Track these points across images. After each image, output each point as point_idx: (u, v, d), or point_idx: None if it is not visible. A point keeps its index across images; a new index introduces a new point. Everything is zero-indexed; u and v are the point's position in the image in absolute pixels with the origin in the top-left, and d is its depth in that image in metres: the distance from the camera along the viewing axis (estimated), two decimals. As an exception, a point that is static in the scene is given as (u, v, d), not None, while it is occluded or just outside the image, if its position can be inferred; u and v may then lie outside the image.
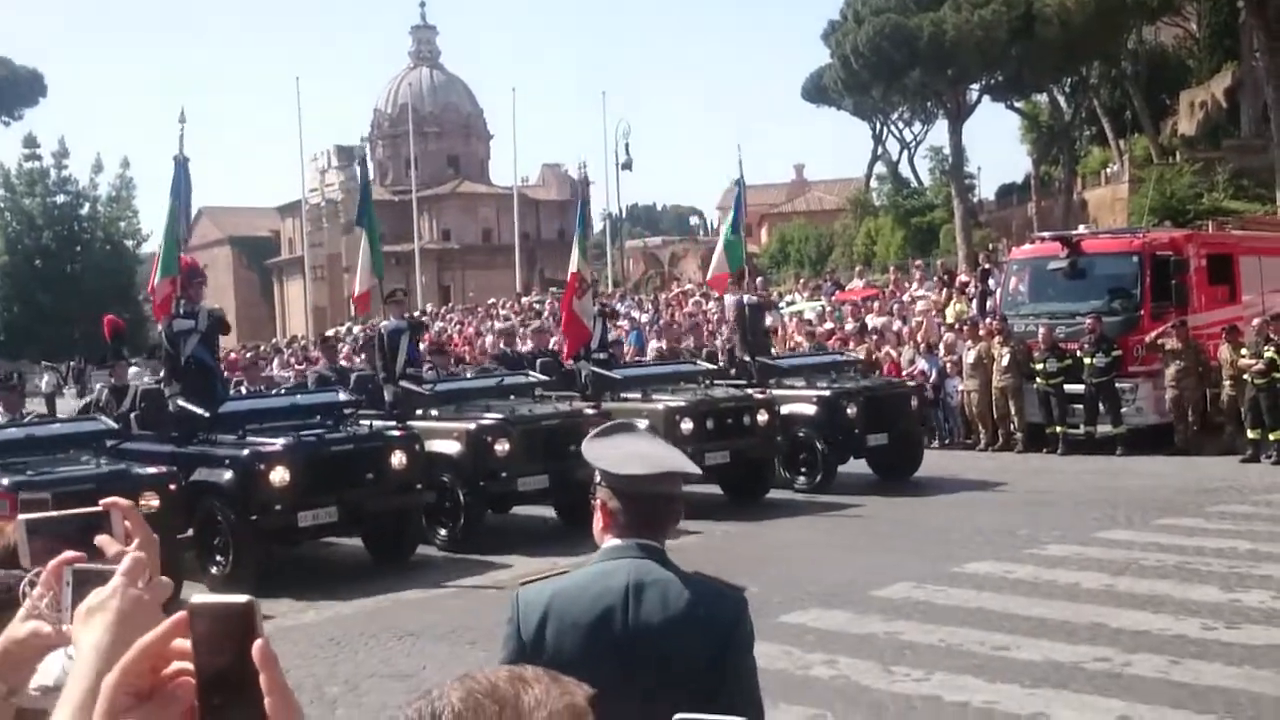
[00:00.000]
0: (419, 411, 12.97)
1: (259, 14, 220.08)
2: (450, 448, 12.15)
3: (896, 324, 21.97)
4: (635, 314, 30.47)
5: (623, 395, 14.55)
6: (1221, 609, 8.47)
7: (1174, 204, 35.03)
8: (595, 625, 2.42)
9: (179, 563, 9.83)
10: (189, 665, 1.02)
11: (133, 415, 12.52)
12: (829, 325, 23.11)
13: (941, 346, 19.82)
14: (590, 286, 15.61)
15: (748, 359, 16.00)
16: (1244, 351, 16.12)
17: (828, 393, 15.14)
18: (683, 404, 13.74)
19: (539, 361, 15.76)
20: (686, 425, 13.36)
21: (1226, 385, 16.61)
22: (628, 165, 50.18)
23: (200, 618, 1.00)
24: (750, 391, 14.86)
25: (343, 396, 12.86)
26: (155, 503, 9.60)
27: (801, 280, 37.66)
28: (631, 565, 2.46)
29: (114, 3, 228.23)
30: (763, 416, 14.14)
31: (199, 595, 1.02)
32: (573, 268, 15.58)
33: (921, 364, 19.39)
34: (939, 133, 48.55)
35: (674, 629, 2.40)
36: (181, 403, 11.73)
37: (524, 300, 38.20)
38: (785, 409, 14.75)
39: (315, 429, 11.55)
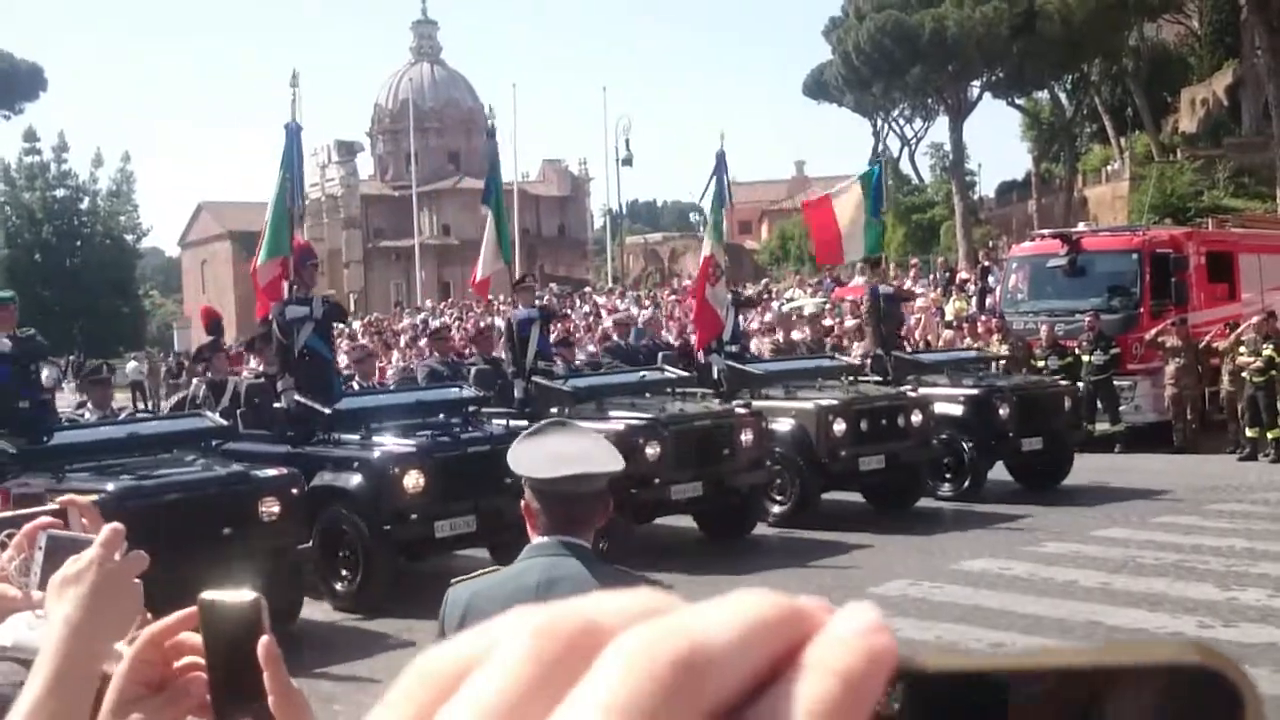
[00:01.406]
0: (553, 409, 11.37)
1: (260, 7, 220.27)
2: None
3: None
4: (634, 310, 30.47)
5: (764, 392, 13.05)
6: (1218, 607, 8.48)
7: (1175, 201, 35.03)
8: None
9: (298, 576, 9.05)
10: (201, 660, 1.02)
11: (239, 412, 11.34)
12: (829, 322, 23.11)
13: (940, 344, 19.82)
14: (724, 272, 14.07)
15: (881, 354, 14.62)
16: (1243, 349, 16.11)
17: (977, 391, 13.96)
18: (835, 403, 12.44)
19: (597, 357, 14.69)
20: (839, 426, 12.16)
21: (1225, 381, 16.61)
22: (628, 161, 50.24)
23: (209, 612, 1.00)
24: (903, 389, 13.49)
25: (466, 392, 11.57)
26: (276, 509, 8.59)
27: (800, 276, 37.67)
28: (548, 563, 2.50)
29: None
30: (916, 417, 12.83)
31: (209, 591, 1.01)
32: (705, 251, 14.06)
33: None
34: (940, 129, 48.68)
35: None
36: (298, 398, 10.52)
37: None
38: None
39: (445, 428, 10.39)
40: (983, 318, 19.86)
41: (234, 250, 78.17)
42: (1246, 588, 8.97)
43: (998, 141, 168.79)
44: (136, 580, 1.20)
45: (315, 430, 10.40)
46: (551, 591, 2.43)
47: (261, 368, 12.96)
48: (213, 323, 14.67)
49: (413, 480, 9.38)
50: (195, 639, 1.02)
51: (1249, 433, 16.01)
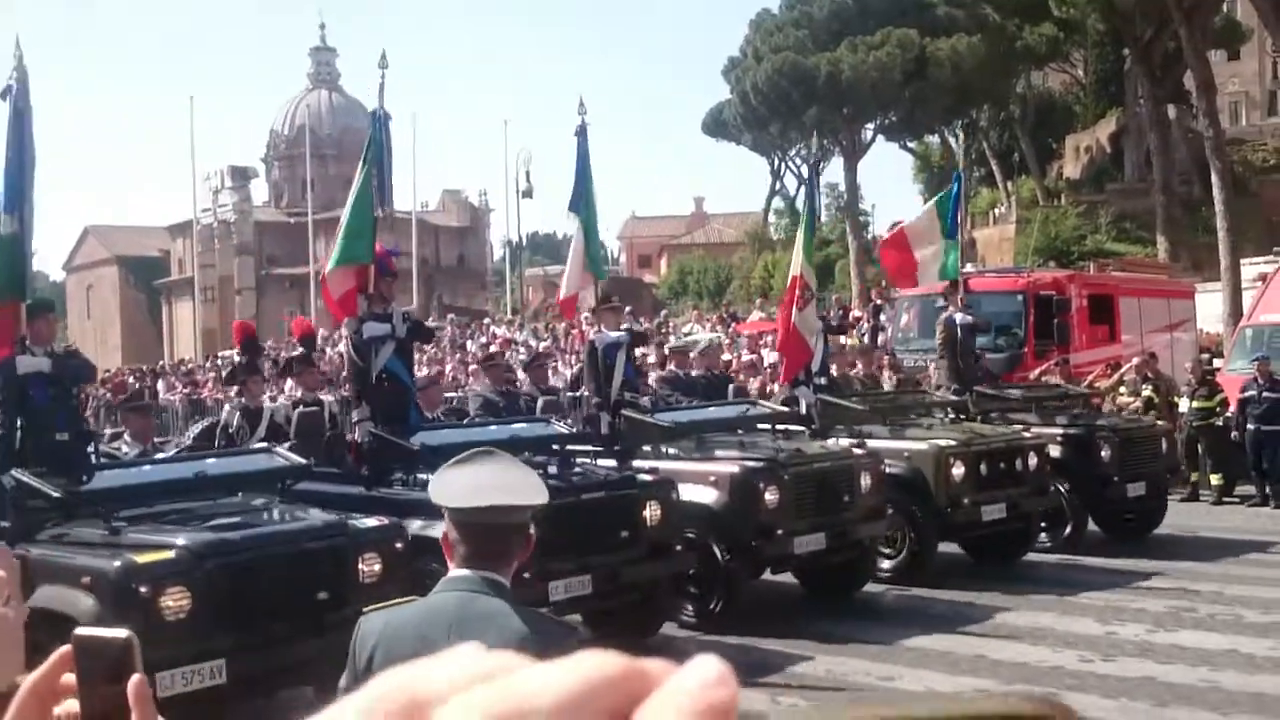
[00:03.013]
0: (646, 448, 10.07)
1: (153, 28, 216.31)
2: (704, 496, 9.28)
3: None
4: (533, 342, 30.41)
5: (864, 430, 11.51)
6: (1098, 642, 8.68)
7: (1059, 245, 36.07)
8: (419, 660, 2.40)
9: None
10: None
11: (287, 446, 9.41)
12: (727, 357, 23.30)
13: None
14: (814, 296, 12.66)
15: (957, 389, 13.19)
16: (1123, 389, 16.61)
17: (1077, 430, 12.65)
18: (953, 443, 11.08)
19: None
20: (958, 470, 10.85)
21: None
22: (528, 193, 50.12)
23: (82, 651, 0.99)
24: (1016, 428, 12.27)
25: (559, 428, 9.90)
26: (377, 568, 7.07)
27: (698, 311, 37.97)
28: (461, 599, 2.45)
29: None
30: (1033, 460, 11.54)
31: (82, 628, 1.01)
32: (794, 270, 12.55)
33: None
34: (835, 170, 49.42)
35: None
36: (374, 430, 8.93)
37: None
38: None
39: (547, 472, 8.41)
40: (875, 353, 20.20)
41: (121, 275, 76.31)
42: (1125, 624, 9.23)
43: (891, 183, 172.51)
44: (20, 631, 1.18)
45: (393, 469, 8.75)
46: (465, 630, 2.39)
47: (300, 393, 11.55)
48: (247, 340, 12.80)
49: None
50: (71, 681, 1.01)
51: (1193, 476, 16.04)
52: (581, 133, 11.47)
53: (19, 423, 7.71)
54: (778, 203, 58.15)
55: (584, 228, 11.28)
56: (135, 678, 0.98)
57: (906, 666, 8.14)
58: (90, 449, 8.33)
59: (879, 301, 26.13)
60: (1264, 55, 54.50)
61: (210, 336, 61.37)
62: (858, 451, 10.30)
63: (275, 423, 10.53)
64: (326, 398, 11.53)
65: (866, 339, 22.95)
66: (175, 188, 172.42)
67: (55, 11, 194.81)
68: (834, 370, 13.09)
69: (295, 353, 12.52)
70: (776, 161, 55.29)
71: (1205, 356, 21.03)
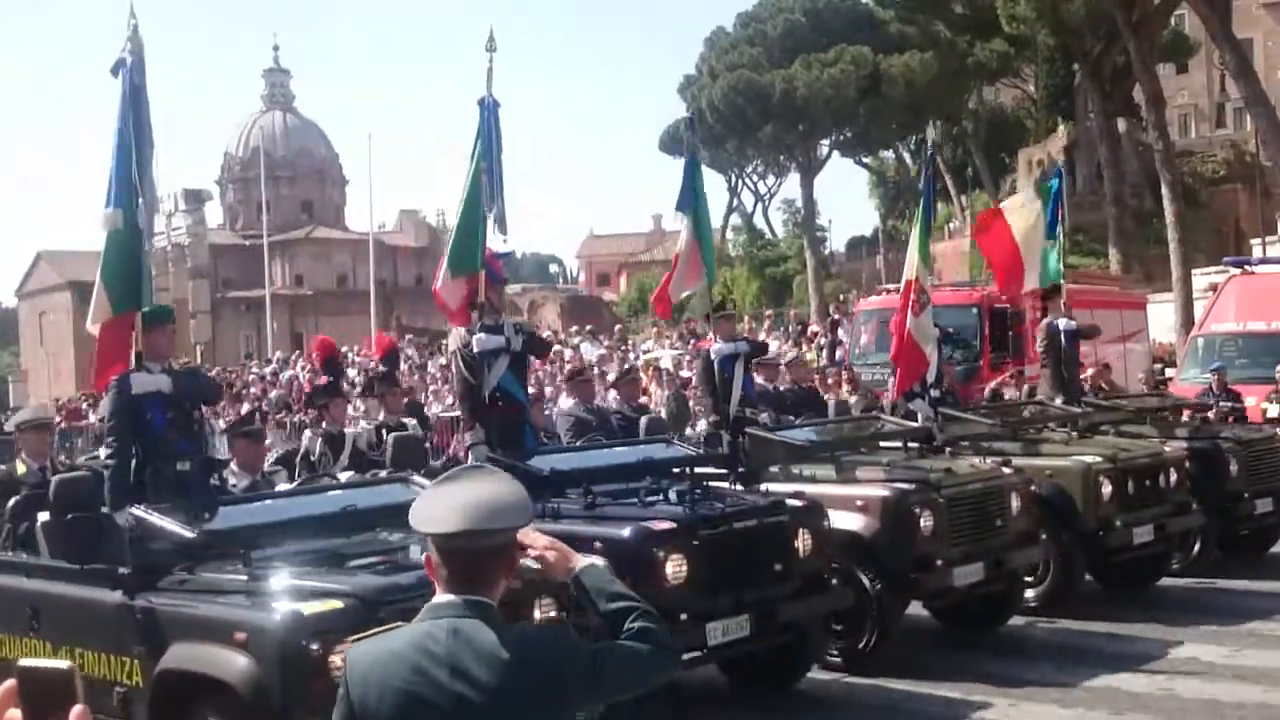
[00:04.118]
0: (773, 469, 8.94)
1: (104, 48, 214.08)
2: (850, 522, 8.17)
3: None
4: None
5: (994, 445, 10.27)
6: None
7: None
8: (417, 695, 2.38)
9: None
10: None
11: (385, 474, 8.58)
12: (686, 374, 23.37)
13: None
14: (929, 300, 11.35)
15: (1064, 400, 12.03)
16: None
17: (1202, 444, 11.44)
18: (1101, 460, 9.89)
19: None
20: (1107, 489, 9.70)
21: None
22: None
23: (25, 682, 1.01)
24: (1154, 441, 11.19)
25: (686, 449, 8.87)
26: (554, 613, 5.86)
27: (658, 329, 38.04)
28: (451, 625, 2.42)
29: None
30: (1174, 476, 10.39)
31: (25, 659, 1.03)
32: (909, 273, 11.27)
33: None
34: (792, 186, 49.87)
35: (502, 694, 2.37)
36: (490, 455, 7.86)
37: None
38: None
39: (686, 496, 7.56)
40: (833, 369, 20.32)
41: (74, 301, 75.48)
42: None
43: (847, 198, 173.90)
44: None
45: None
46: (459, 660, 2.37)
47: (382, 416, 10.64)
48: (329, 360, 11.71)
49: (675, 567, 6.77)
50: (16, 715, 1.03)
51: None
52: (691, 125, 10.85)
53: (135, 450, 6.71)
54: (735, 219, 58.50)
55: (693, 225, 10.29)
56: (77, 708, 1.00)
57: (1106, 713, 7.24)
58: (215, 479, 7.49)
59: (836, 316, 26.30)
60: (1212, 68, 55.34)
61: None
62: (1007, 471, 9.15)
63: (358, 449, 9.69)
64: (410, 420, 10.77)
65: (825, 354, 23.11)
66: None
67: (5, 29, 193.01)
68: (947, 381, 11.92)
69: (378, 371, 11.59)
70: (734, 178, 55.63)
71: (1158, 366, 21.35)
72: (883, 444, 9.78)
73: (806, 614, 7.49)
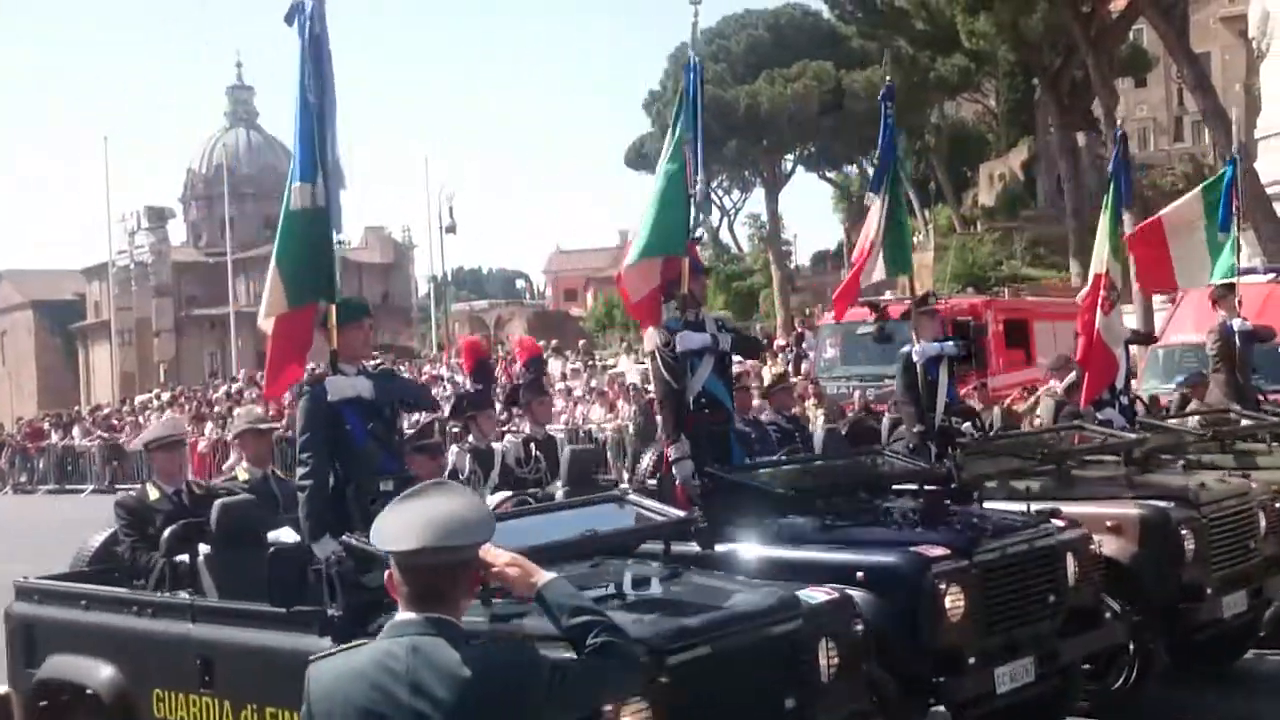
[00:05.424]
0: (990, 485, 7.67)
1: (66, 65, 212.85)
2: (1106, 545, 7.04)
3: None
4: (458, 378, 30.28)
5: (1203, 459, 8.89)
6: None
7: (976, 271, 36.81)
8: (378, 713, 2.39)
9: None
10: None
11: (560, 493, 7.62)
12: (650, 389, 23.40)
13: (751, 411, 20.23)
14: (1119, 295, 10.18)
15: (1238, 407, 10.53)
16: (1039, 412, 16.93)
17: None
18: None
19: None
20: None
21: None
22: (452, 229, 50.03)
23: None
24: None
25: (907, 463, 7.94)
26: (836, 662, 5.06)
27: (626, 343, 38.08)
28: (412, 644, 2.41)
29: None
30: None
31: None
32: (1097, 267, 10.04)
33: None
34: (757, 200, 50.04)
35: (463, 711, 2.38)
36: (709, 469, 6.89)
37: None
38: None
39: (930, 518, 6.68)
40: (797, 380, 20.42)
41: (36, 319, 74.73)
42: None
43: (812, 212, 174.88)
44: None
45: (732, 519, 6.55)
46: (419, 678, 2.37)
47: (528, 428, 9.56)
48: (479, 365, 10.42)
49: (953, 601, 5.71)
50: None
51: None
52: (889, 95, 9.56)
53: (334, 468, 5.57)
54: (701, 234, 58.61)
55: (887, 213, 9.20)
56: None
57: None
58: None
59: (801, 330, 26.42)
60: (1170, 82, 56.09)
61: (128, 380, 60.33)
62: (1254, 487, 8.07)
63: (507, 465, 8.73)
64: (558, 431, 9.42)
65: (791, 367, 23.20)
66: (91, 229, 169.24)
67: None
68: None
69: (524, 378, 10.44)
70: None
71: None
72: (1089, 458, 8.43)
73: (1085, 653, 6.57)
